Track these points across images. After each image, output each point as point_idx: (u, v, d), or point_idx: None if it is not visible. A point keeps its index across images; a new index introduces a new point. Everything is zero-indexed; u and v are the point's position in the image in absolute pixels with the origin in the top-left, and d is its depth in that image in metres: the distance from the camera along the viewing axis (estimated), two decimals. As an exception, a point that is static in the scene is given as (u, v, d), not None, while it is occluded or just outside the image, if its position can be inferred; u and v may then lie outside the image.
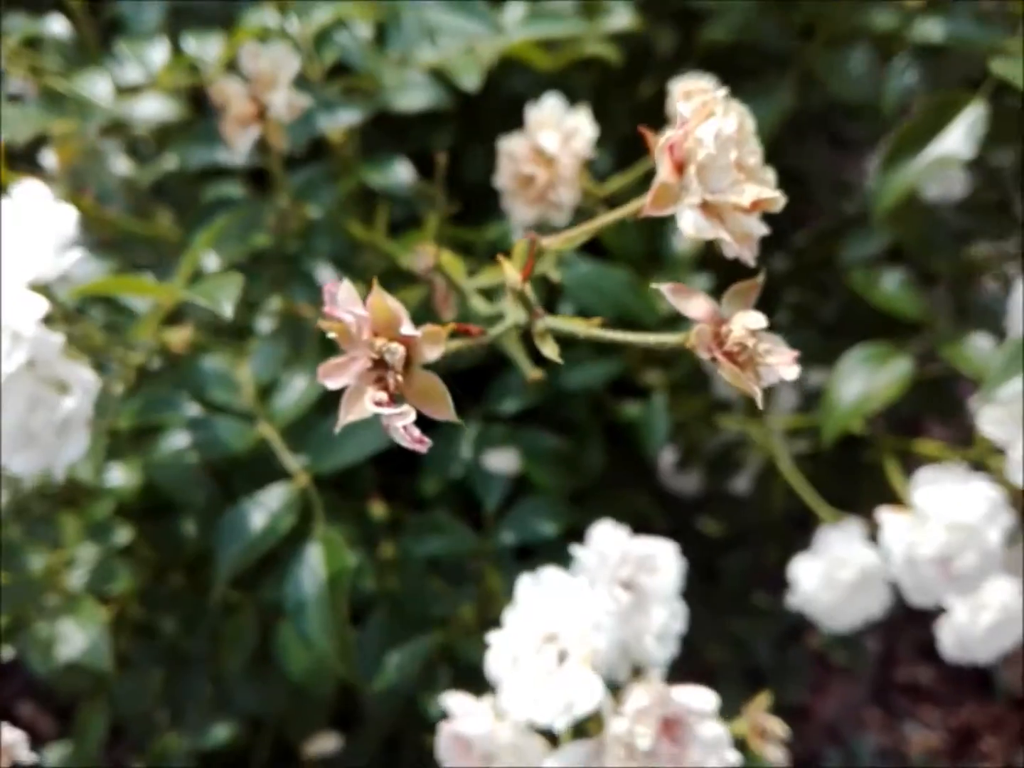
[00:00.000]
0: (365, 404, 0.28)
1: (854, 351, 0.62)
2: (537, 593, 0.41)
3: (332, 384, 0.29)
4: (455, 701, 0.42)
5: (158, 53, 0.57)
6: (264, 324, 0.54)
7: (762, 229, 0.32)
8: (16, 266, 0.36)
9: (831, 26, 0.64)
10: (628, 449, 0.75)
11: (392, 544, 0.61)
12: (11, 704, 1.11)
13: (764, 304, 0.86)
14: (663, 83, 0.53)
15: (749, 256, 0.32)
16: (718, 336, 0.31)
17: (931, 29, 0.58)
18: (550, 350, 0.30)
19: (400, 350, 0.28)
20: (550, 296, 0.61)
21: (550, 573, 0.41)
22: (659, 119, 0.52)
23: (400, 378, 0.28)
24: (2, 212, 0.38)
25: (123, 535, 0.56)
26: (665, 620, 0.44)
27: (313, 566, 0.43)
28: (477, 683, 0.60)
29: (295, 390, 0.48)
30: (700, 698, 0.40)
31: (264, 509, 0.44)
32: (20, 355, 0.35)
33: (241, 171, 0.56)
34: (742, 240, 0.32)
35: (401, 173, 0.58)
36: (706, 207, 0.31)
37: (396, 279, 0.54)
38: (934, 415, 0.86)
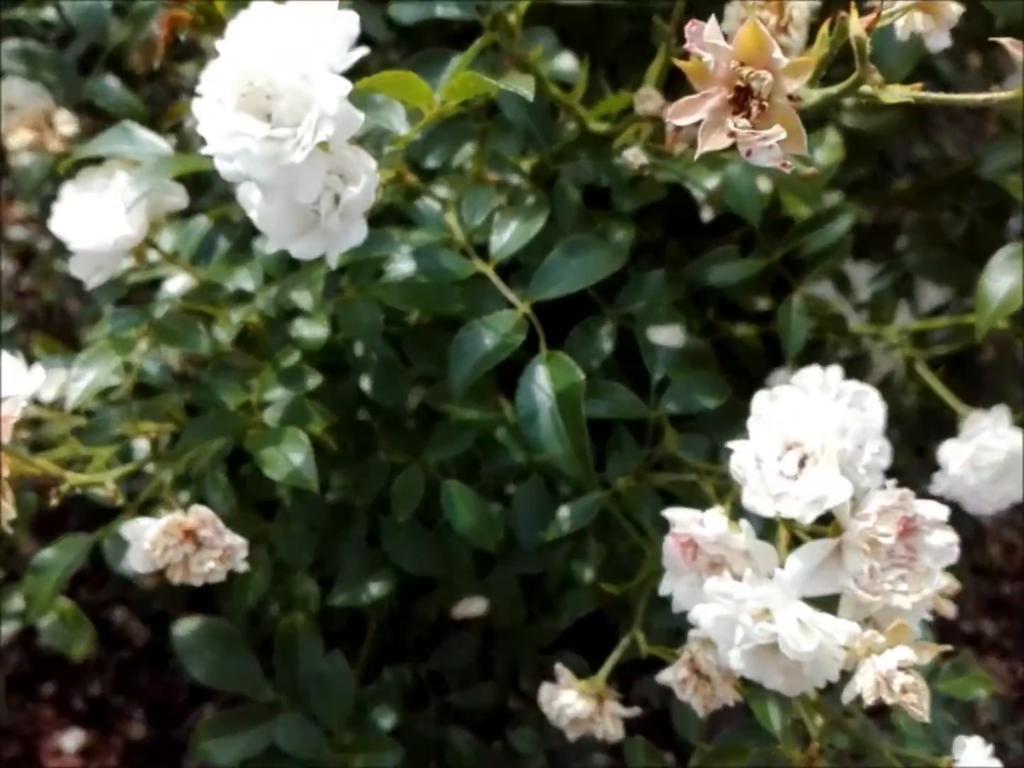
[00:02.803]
0: (724, 133, 0.28)
1: (1005, 248, 0.61)
2: (775, 406, 0.40)
3: (682, 121, 0.28)
4: (678, 513, 0.42)
5: None
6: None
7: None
8: (315, 52, 0.35)
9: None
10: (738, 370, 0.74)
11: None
12: (103, 611, 1.11)
13: (890, 227, 0.85)
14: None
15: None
16: None
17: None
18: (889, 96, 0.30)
19: (769, 77, 0.27)
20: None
21: (786, 389, 0.41)
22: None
23: (765, 105, 0.27)
24: (296, 11, 0.37)
25: (312, 381, 0.55)
26: (875, 453, 0.44)
27: (541, 383, 0.43)
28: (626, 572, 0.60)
29: (509, 230, 0.47)
30: (933, 508, 0.39)
31: (493, 330, 0.44)
32: (327, 129, 0.34)
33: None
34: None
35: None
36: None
37: (591, 143, 0.54)
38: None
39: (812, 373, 0.42)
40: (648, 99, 0.44)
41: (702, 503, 0.44)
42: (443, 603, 0.65)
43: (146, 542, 0.43)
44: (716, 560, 0.40)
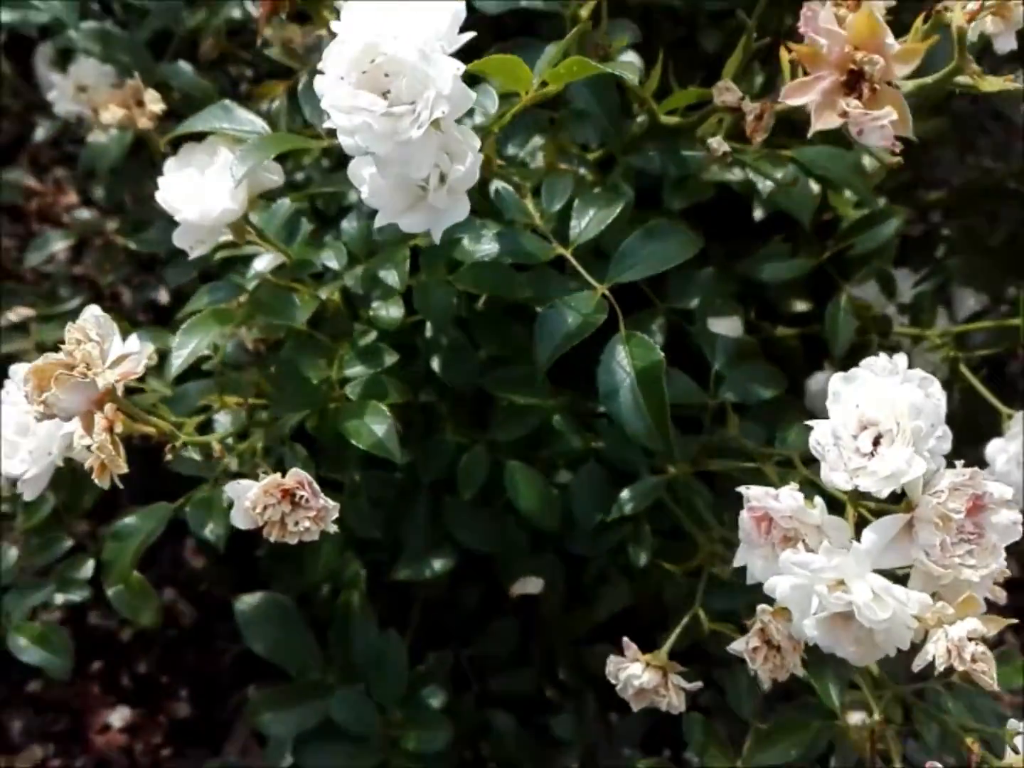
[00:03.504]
0: (836, 113, 0.29)
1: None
2: (851, 387, 0.41)
3: (795, 101, 0.30)
4: (753, 490, 0.43)
5: None
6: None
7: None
8: (432, 34, 0.37)
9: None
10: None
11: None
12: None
13: (928, 233, 0.86)
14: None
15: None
16: None
17: None
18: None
19: (881, 61, 0.29)
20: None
21: (861, 371, 0.42)
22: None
23: (876, 87, 0.29)
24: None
25: (389, 359, 0.57)
26: (939, 437, 0.44)
27: (620, 361, 0.44)
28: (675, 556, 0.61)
29: (588, 216, 0.49)
30: (1001, 488, 0.40)
31: (575, 310, 0.45)
32: (443, 107, 0.36)
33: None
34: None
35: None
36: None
37: (659, 135, 0.55)
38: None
39: (880, 360, 0.43)
40: (727, 91, 0.46)
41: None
42: (504, 581, 0.66)
43: (248, 501, 0.44)
44: (789, 534, 0.41)
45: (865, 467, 0.39)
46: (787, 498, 0.41)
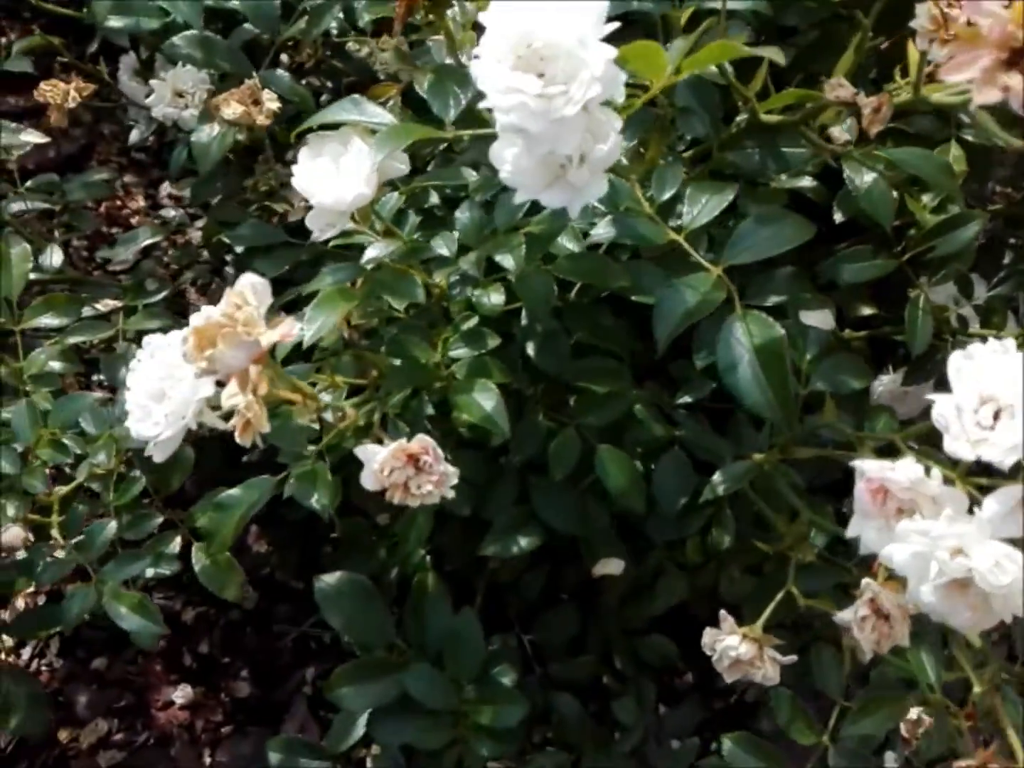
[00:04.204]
0: (996, 89, 0.30)
1: None
2: (972, 364, 0.42)
3: (955, 78, 0.31)
4: (867, 463, 0.44)
5: None
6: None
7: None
8: (587, 21, 0.39)
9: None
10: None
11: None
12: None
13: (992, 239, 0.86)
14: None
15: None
16: None
17: None
18: None
19: (1048, 39, 0.30)
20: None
21: (980, 347, 0.43)
22: None
23: (1037, 64, 0.30)
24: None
25: (492, 342, 0.58)
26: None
27: (738, 337, 0.46)
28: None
29: (700, 203, 0.50)
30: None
31: (694, 289, 0.47)
32: (596, 89, 0.38)
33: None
34: None
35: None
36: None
37: (758, 133, 0.57)
38: None
39: (992, 343, 0.45)
40: (840, 87, 0.47)
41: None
42: (588, 560, 0.67)
43: (376, 463, 0.46)
44: (905, 505, 0.42)
45: (987, 439, 0.40)
46: (907, 469, 0.42)
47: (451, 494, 0.48)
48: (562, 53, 0.37)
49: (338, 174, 0.49)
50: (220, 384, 0.45)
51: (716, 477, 0.58)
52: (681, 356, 0.73)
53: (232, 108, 0.62)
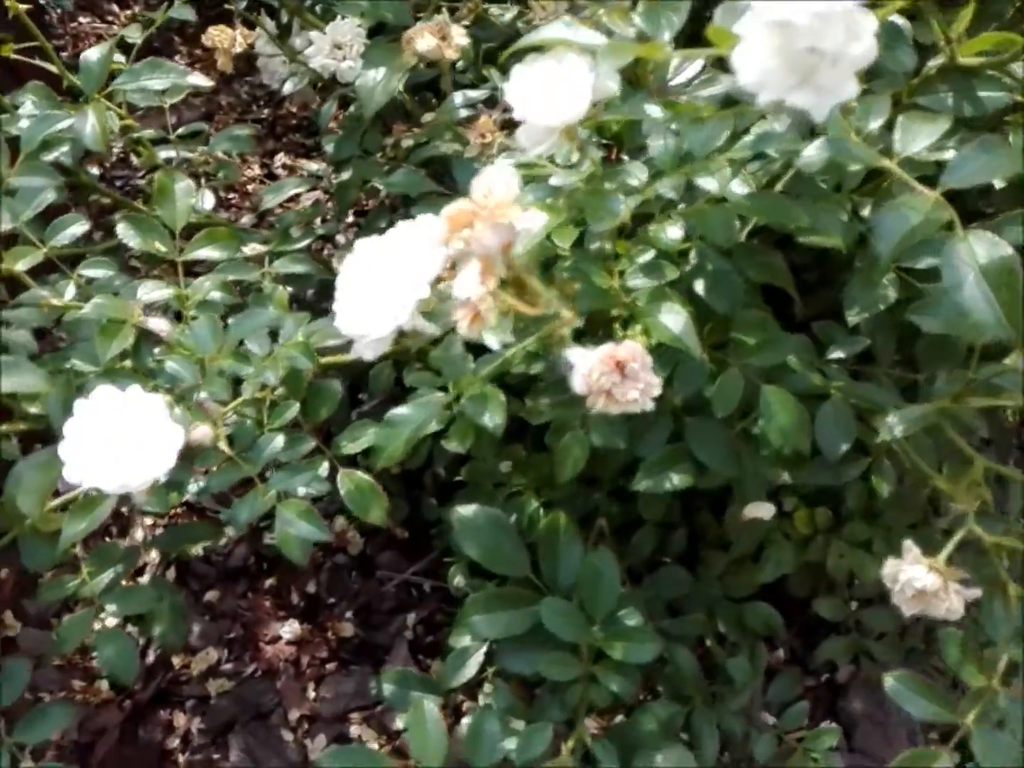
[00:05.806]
0: None
1: None
2: None
3: None
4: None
5: None
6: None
7: None
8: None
9: None
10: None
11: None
12: (326, 519, 1.16)
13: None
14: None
15: None
16: None
17: None
18: None
19: None
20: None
21: None
22: None
23: None
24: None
25: (671, 273, 0.57)
26: None
27: (963, 257, 0.44)
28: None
29: (913, 131, 0.49)
30: None
31: (915, 210, 0.45)
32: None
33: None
34: None
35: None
36: None
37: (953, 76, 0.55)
38: None
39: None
40: None
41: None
42: (739, 503, 0.66)
43: (585, 367, 0.45)
44: None
45: None
46: None
47: (651, 405, 0.47)
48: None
49: (553, 91, 0.49)
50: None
51: (891, 419, 0.56)
52: (823, 316, 0.72)
53: (426, 40, 0.62)
